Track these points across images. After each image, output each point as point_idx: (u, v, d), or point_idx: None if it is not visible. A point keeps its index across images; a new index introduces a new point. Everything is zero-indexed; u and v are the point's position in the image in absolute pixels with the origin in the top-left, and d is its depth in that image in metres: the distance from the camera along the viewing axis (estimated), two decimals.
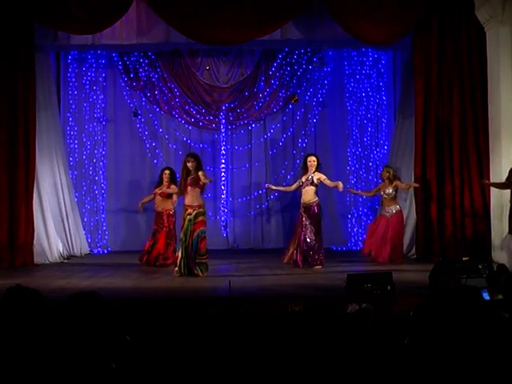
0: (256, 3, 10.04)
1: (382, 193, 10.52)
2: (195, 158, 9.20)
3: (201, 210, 9.06)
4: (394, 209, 10.36)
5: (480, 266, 7.06)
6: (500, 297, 4.94)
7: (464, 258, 8.24)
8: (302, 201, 9.88)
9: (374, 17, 10.04)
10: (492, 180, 9.94)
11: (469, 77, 10.33)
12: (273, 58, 12.83)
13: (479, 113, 10.28)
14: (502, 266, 6.68)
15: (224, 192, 12.87)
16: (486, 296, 5.81)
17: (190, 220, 8.97)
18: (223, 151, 12.81)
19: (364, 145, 12.96)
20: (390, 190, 10.37)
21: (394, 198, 10.43)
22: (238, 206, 12.96)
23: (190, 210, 9.01)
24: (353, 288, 7.00)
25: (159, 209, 10.61)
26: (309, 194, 9.80)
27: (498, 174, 9.84)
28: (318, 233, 9.72)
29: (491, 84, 10.00)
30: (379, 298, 6.61)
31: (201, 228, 9.03)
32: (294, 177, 13.05)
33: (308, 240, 9.67)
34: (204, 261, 9.06)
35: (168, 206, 10.55)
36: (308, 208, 9.76)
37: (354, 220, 12.91)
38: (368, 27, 10.10)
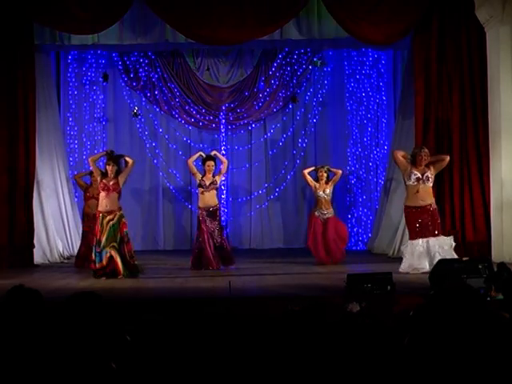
0: (255, 3, 10.04)
1: (320, 193, 10.16)
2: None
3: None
4: (330, 213, 10.21)
5: (480, 266, 7.05)
6: (500, 297, 4.94)
7: (464, 258, 8.23)
8: None
9: (373, 16, 10.05)
10: (492, 179, 9.95)
11: (469, 77, 10.31)
12: (273, 57, 12.83)
13: (479, 113, 10.26)
14: (502, 265, 6.67)
15: (224, 192, 12.87)
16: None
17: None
18: (223, 151, 12.80)
19: (364, 145, 12.96)
20: (328, 191, 10.20)
21: (331, 201, 10.27)
22: (237, 206, 12.97)
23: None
24: (353, 288, 6.99)
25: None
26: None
27: (498, 173, 9.84)
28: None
29: (491, 84, 9.99)
30: (379, 298, 6.61)
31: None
32: (294, 177, 13.07)
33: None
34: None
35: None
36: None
37: (354, 220, 12.92)
38: (368, 27, 10.10)
